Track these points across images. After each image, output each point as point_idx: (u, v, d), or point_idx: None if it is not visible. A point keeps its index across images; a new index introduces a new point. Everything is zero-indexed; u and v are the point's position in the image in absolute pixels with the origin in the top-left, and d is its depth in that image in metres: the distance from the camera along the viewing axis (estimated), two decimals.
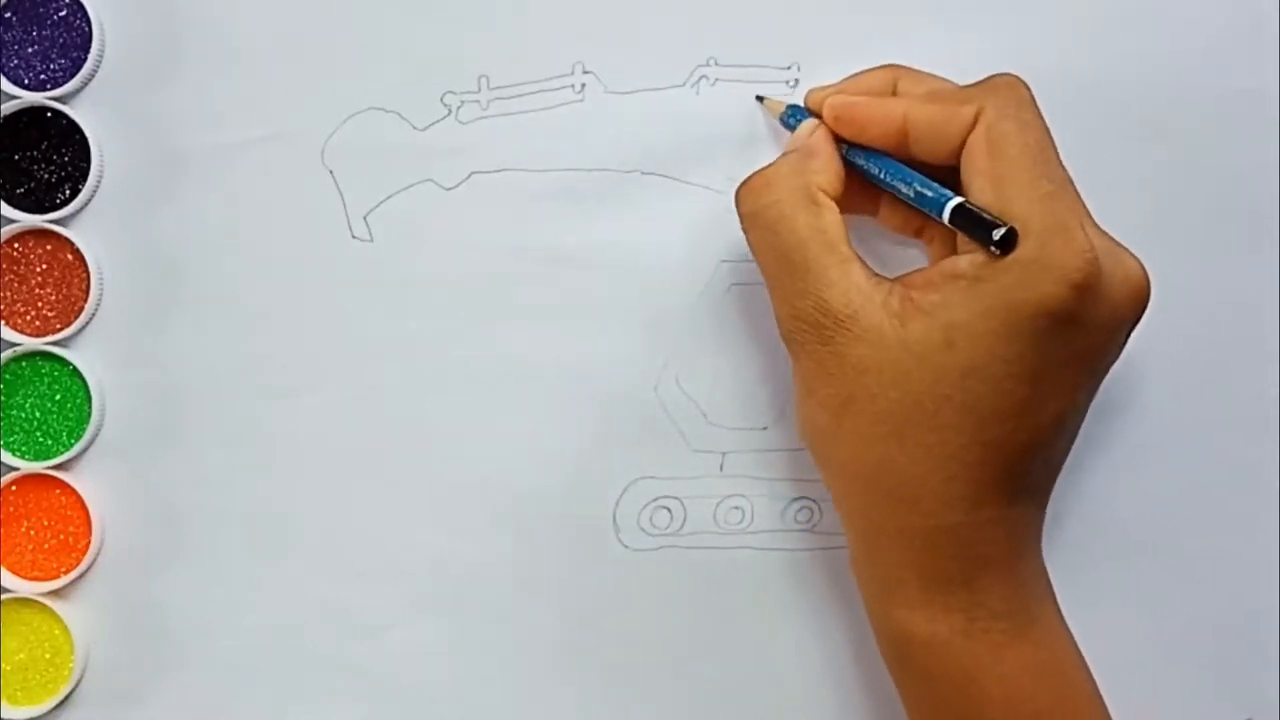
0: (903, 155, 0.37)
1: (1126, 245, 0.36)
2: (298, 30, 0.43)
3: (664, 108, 0.43)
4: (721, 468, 0.43)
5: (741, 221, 0.38)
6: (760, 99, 0.42)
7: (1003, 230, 0.34)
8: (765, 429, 0.43)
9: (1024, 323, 0.34)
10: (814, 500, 0.43)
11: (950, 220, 0.35)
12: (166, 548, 0.43)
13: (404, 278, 0.43)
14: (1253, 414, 0.44)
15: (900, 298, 0.35)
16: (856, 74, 0.40)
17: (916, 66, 0.41)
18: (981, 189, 0.35)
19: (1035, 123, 0.36)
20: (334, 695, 0.43)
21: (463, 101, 0.43)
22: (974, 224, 0.34)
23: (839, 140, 0.39)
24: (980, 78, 0.37)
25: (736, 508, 0.43)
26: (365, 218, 0.43)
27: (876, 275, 0.36)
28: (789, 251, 0.36)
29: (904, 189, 0.37)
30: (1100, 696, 0.37)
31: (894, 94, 0.39)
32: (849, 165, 0.39)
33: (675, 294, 0.43)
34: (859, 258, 0.36)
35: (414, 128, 0.43)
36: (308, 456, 0.43)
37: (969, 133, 0.36)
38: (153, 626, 0.43)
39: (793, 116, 0.41)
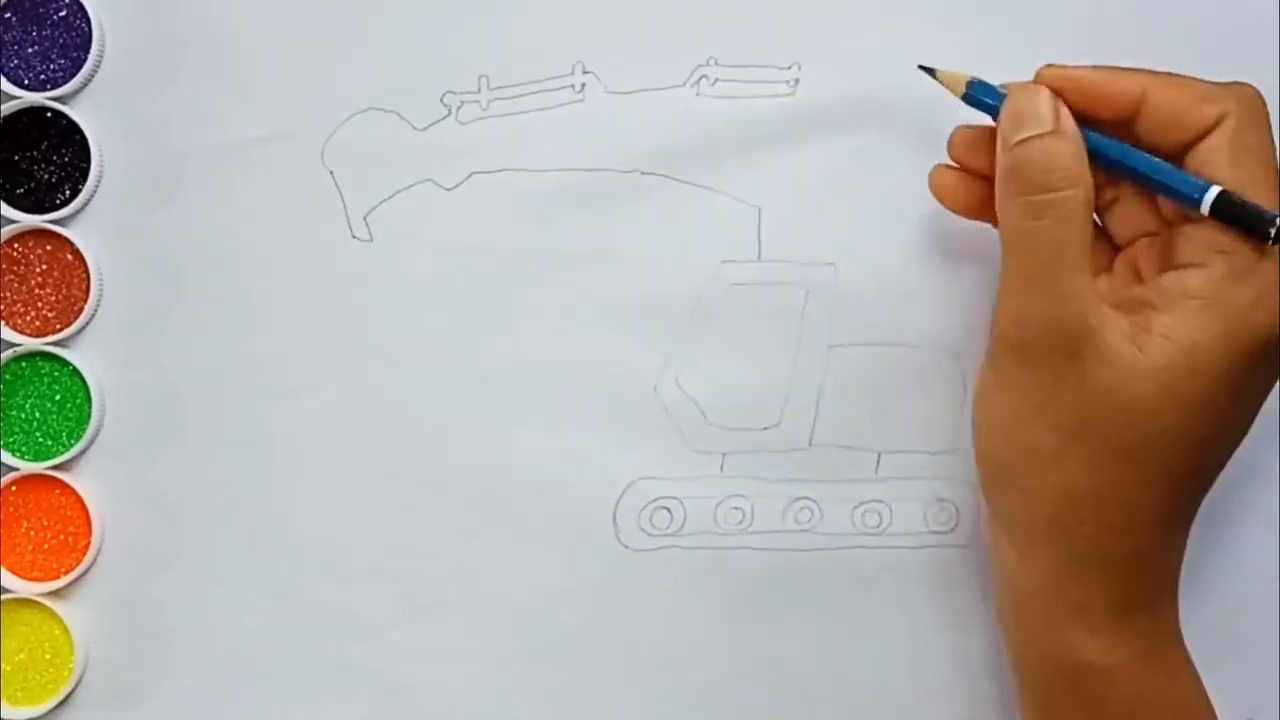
0: (1124, 136, 0.36)
1: None
2: (298, 30, 0.43)
3: (664, 108, 0.43)
4: (721, 468, 0.43)
5: (1019, 206, 0.35)
6: (930, 70, 0.39)
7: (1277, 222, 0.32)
8: (765, 429, 0.43)
9: (1258, 348, 0.33)
10: (814, 500, 0.43)
11: (1212, 209, 0.33)
12: (166, 548, 0.43)
13: (404, 278, 0.43)
14: None
15: (1128, 321, 0.34)
16: (1045, 66, 0.37)
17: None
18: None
19: (1271, 140, 0.35)
20: (334, 695, 0.43)
21: (463, 101, 0.43)
22: (1245, 215, 0.33)
23: None
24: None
25: (736, 508, 0.43)
26: (365, 218, 0.43)
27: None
28: (1068, 251, 0.34)
29: (1149, 174, 0.35)
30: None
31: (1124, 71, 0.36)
32: None
33: (675, 294, 0.43)
34: None
35: (414, 128, 0.43)
36: (308, 456, 0.43)
37: (1208, 132, 0.34)
38: (153, 626, 0.43)
39: (983, 89, 0.37)
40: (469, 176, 0.43)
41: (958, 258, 0.43)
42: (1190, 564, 0.43)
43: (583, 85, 0.43)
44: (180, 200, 0.43)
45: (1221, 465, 0.36)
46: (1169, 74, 0.36)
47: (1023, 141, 0.35)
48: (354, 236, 0.43)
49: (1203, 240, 0.34)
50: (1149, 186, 0.36)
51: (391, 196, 0.43)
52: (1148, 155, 0.35)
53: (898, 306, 0.43)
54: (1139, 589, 0.36)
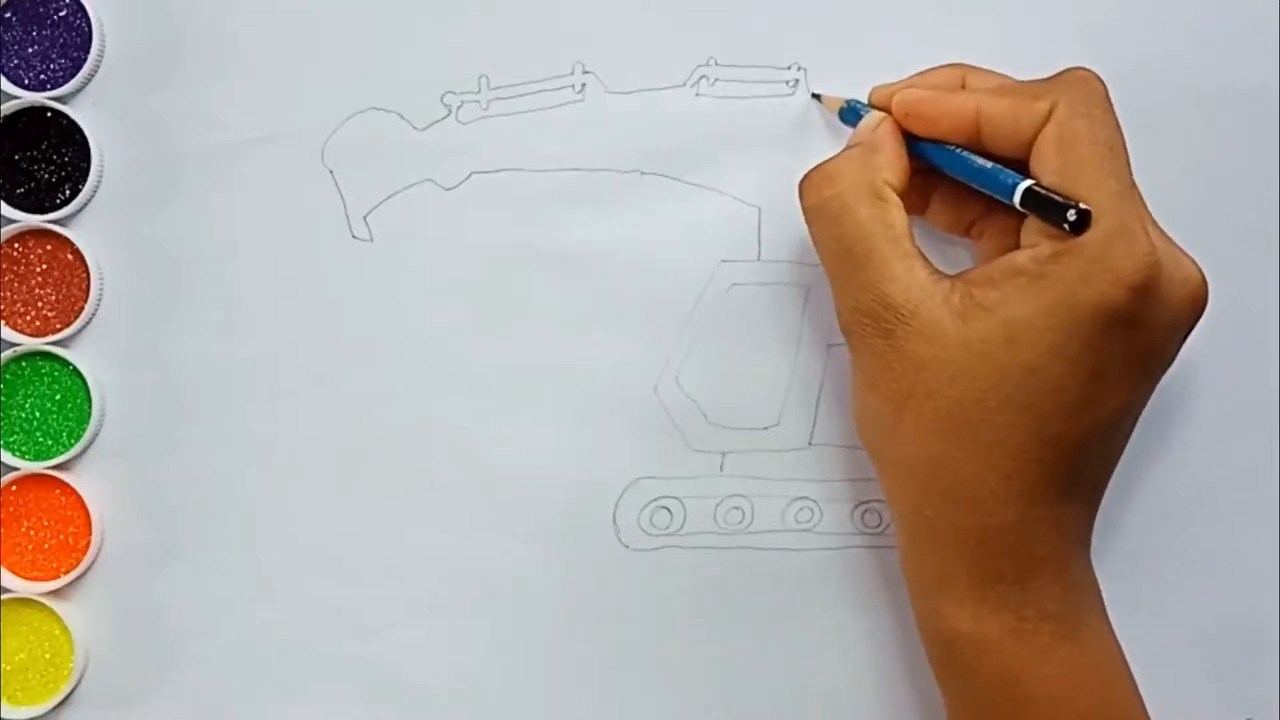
0: (976, 149, 0.38)
1: None
2: (298, 30, 0.43)
3: (664, 108, 0.43)
4: (721, 468, 0.43)
5: (805, 214, 0.38)
6: (816, 96, 0.42)
7: (1076, 210, 0.34)
8: (765, 429, 0.43)
9: (1084, 321, 0.34)
10: (814, 500, 0.43)
11: (1021, 201, 0.35)
12: (166, 548, 0.43)
13: (404, 278, 0.43)
14: (1253, 414, 0.44)
15: (961, 295, 0.35)
16: (922, 71, 0.40)
17: (915, 67, 0.41)
18: (1051, 185, 0.35)
19: (1107, 120, 0.36)
20: (334, 695, 0.43)
21: (463, 101, 0.43)
22: (1047, 205, 0.35)
23: (905, 136, 0.39)
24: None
25: (736, 508, 0.43)
26: (365, 218, 0.43)
27: (938, 272, 0.36)
28: (852, 245, 0.36)
29: (973, 176, 0.37)
30: (1142, 702, 0.37)
31: (963, 89, 0.39)
32: (914, 159, 0.38)
33: (675, 294, 0.43)
34: (922, 255, 0.36)
35: (414, 128, 0.43)
36: (307, 456, 0.43)
37: (1041, 128, 0.36)
38: (153, 626, 0.43)
39: (851, 112, 0.41)
40: (469, 176, 0.43)
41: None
42: (1190, 563, 0.43)
43: (583, 85, 0.43)
44: (180, 200, 0.43)
45: (1085, 441, 0.35)
46: (1001, 84, 0.38)
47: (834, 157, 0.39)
48: (354, 236, 0.43)
49: (1037, 224, 0.36)
50: (979, 186, 0.37)
51: (391, 196, 0.43)
52: (967, 159, 0.37)
53: None
54: (999, 562, 0.36)
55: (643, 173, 0.43)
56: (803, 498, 0.43)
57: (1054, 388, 0.34)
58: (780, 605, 0.43)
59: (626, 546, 0.43)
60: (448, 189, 0.43)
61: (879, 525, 0.43)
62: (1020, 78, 0.39)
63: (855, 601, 0.43)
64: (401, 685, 0.43)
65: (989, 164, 0.37)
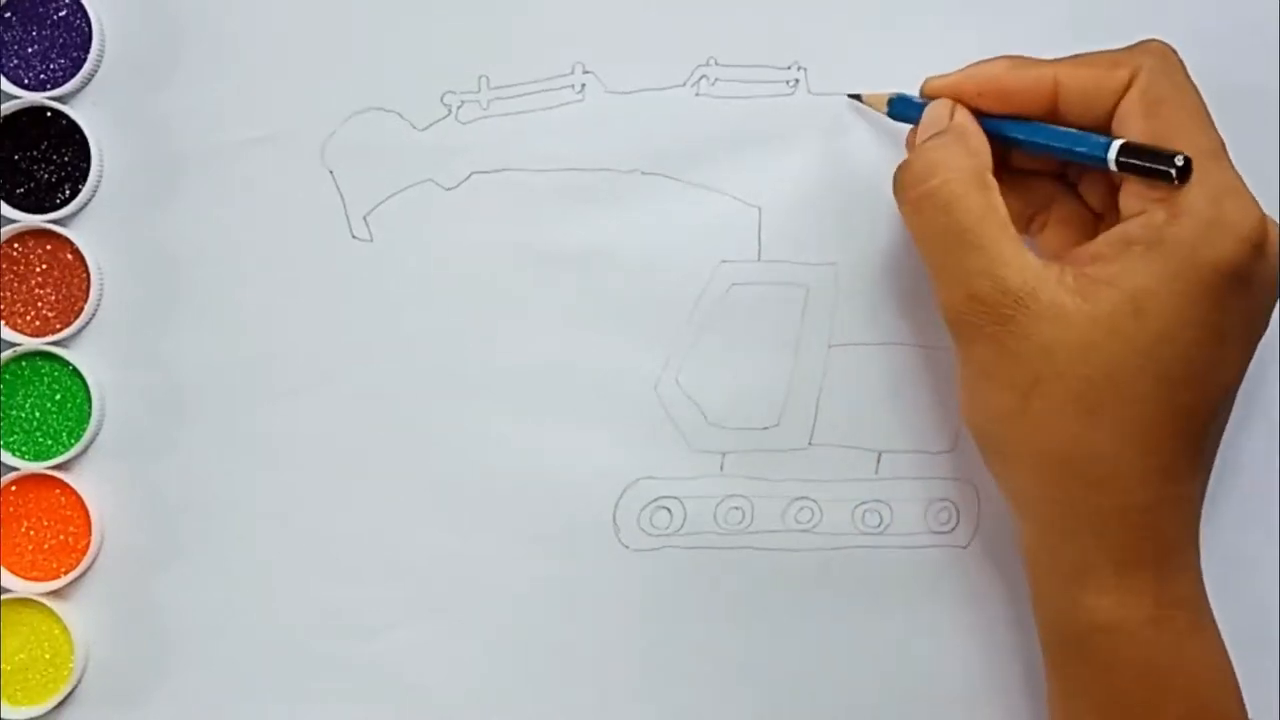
0: (1052, 121, 0.37)
1: None
2: (298, 30, 0.43)
3: (664, 108, 0.43)
4: (721, 468, 0.43)
5: (904, 206, 0.37)
6: (856, 97, 0.42)
7: (1181, 158, 0.33)
8: (765, 429, 0.43)
9: (1207, 282, 0.34)
10: (814, 500, 0.43)
11: (1119, 159, 0.35)
12: (166, 548, 0.43)
13: (404, 278, 0.43)
14: (1253, 414, 0.44)
15: (1074, 275, 0.35)
16: (974, 63, 0.39)
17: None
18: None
19: (1189, 85, 0.36)
20: (334, 695, 0.43)
21: (463, 101, 0.43)
22: (1148, 159, 0.34)
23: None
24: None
25: (736, 508, 0.43)
26: (365, 218, 0.43)
27: (1043, 257, 0.36)
28: (963, 232, 0.36)
29: (1060, 143, 0.36)
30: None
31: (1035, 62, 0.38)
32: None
33: (675, 294, 0.43)
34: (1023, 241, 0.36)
35: (414, 128, 0.43)
36: (308, 456, 0.43)
37: (1122, 95, 0.36)
38: (153, 626, 0.43)
39: (903, 103, 0.40)
40: (469, 176, 0.43)
41: None
42: None
43: (583, 85, 0.43)
44: (180, 200, 0.43)
45: (1214, 409, 0.35)
46: (1078, 55, 0.37)
47: (917, 146, 0.38)
48: (354, 236, 0.43)
49: (1137, 191, 0.35)
50: (1066, 158, 0.37)
51: (391, 196, 0.43)
52: (1051, 128, 0.37)
53: (898, 306, 0.43)
54: (1139, 545, 0.35)
55: (643, 173, 0.43)
56: (803, 498, 0.43)
57: (1183, 355, 0.34)
58: (780, 605, 0.43)
59: (626, 546, 0.43)
60: (448, 189, 0.43)
61: (879, 525, 0.43)
62: None
63: (856, 601, 0.43)
64: (401, 685, 0.43)
65: (1071, 132, 0.36)
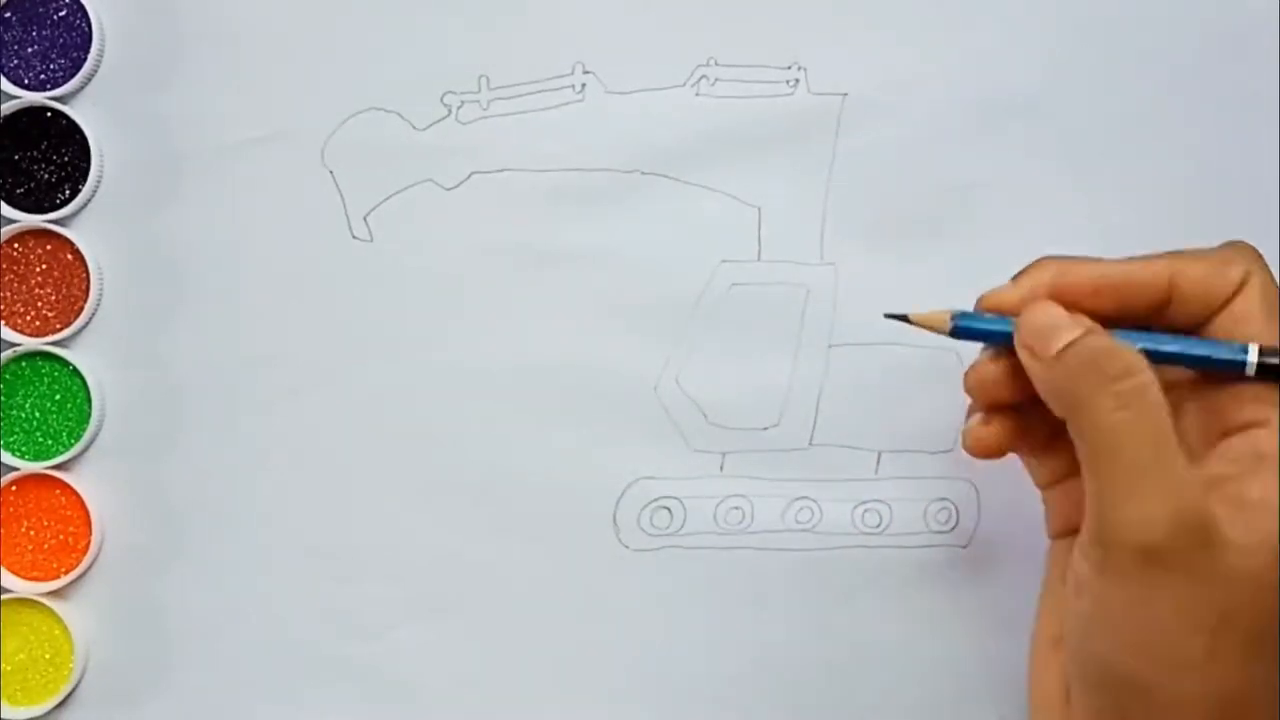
0: (1155, 320, 0.35)
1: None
2: (298, 30, 0.43)
3: (664, 108, 0.43)
4: (721, 468, 0.43)
5: (1106, 399, 0.32)
6: (903, 318, 0.37)
7: None
8: (765, 429, 0.43)
9: None
10: (814, 500, 0.43)
11: (1259, 363, 0.33)
12: (166, 548, 0.43)
13: (404, 278, 0.43)
14: None
15: (1218, 495, 0.32)
16: (1018, 274, 0.36)
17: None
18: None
19: None
20: (335, 695, 0.43)
21: (463, 101, 0.43)
22: None
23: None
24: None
25: (736, 508, 0.43)
26: (365, 218, 0.43)
27: None
28: (1165, 435, 0.31)
29: (1187, 354, 0.34)
30: None
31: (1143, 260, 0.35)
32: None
33: (675, 294, 0.43)
34: None
35: (414, 128, 0.43)
36: (308, 456, 0.43)
37: (1234, 294, 0.34)
38: (153, 626, 0.43)
39: (965, 320, 0.36)
40: (469, 176, 0.43)
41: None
42: None
43: (583, 85, 0.43)
44: (180, 200, 0.43)
45: None
46: (1185, 251, 0.35)
47: (1070, 346, 0.33)
48: (354, 236, 0.43)
49: (1253, 397, 0.33)
50: (1187, 365, 0.34)
51: (391, 196, 0.43)
52: (1177, 337, 0.34)
53: (898, 306, 0.43)
54: None
55: (643, 173, 0.43)
56: (803, 498, 0.43)
57: None
58: (780, 605, 0.43)
59: (626, 546, 0.43)
60: (448, 189, 0.43)
61: (879, 525, 0.43)
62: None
63: (856, 601, 0.43)
64: (402, 685, 0.43)
65: (1204, 340, 0.34)
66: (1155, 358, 0.33)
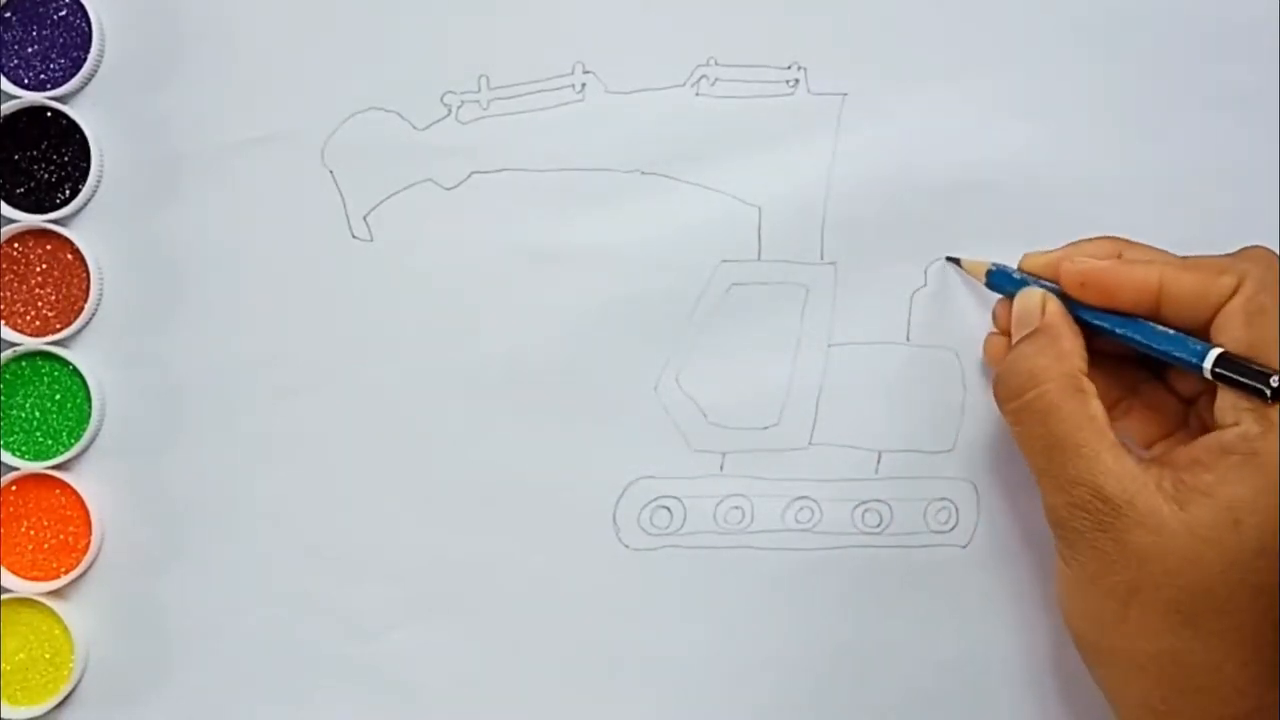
0: (1151, 318, 0.37)
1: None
2: (298, 30, 0.43)
3: (664, 108, 0.43)
4: (721, 468, 0.43)
5: (1007, 415, 0.38)
6: (955, 260, 0.42)
7: (1276, 378, 0.34)
8: (765, 429, 0.43)
9: None
10: (814, 500, 0.43)
11: (1214, 369, 0.35)
12: (166, 548, 0.43)
13: (404, 278, 0.43)
14: None
15: (1171, 480, 0.35)
16: (1075, 242, 0.39)
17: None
18: (1240, 356, 0.35)
19: None
20: (334, 695, 0.43)
21: (463, 101, 0.43)
22: (1243, 374, 0.34)
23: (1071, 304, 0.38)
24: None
25: (736, 508, 0.43)
26: (365, 218, 0.43)
27: (1141, 459, 0.36)
28: (1061, 440, 0.36)
29: (1157, 344, 0.36)
30: None
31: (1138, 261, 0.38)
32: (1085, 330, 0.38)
33: (675, 294, 0.43)
34: (1123, 444, 0.36)
35: (414, 128, 0.43)
36: (308, 456, 0.43)
37: (1225, 302, 0.35)
38: (153, 626, 0.43)
39: (1001, 276, 0.40)
40: (469, 176, 0.43)
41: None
42: None
43: (583, 85, 0.43)
44: (180, 200, 0.43)
45: None
46: (1183, 258, 0.37)
47: (1011, 350, 0.38)
48: (354, 236, 0.43)
49: (1232, 400, 0.35)
50: (1162, 358, 0.37)
51: (391, 196, 0.43)
52: (1149, 327, 0.37)
53: (898, 306, 0.43)
54: None
55: (643, 173, 0.43)
56: (803, 498, 0.43)
57: None
58: (780, 605, 0.43)
59: (626, 546, 0.43)
60: (448, 189, 0.43)
61: (879, 525, 0.43)
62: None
63: (856, 601, 0.43)
64: (402, 686, 0.43)
65: (1173, 332, 0.36)
66: (1121, 340, 0.37)
